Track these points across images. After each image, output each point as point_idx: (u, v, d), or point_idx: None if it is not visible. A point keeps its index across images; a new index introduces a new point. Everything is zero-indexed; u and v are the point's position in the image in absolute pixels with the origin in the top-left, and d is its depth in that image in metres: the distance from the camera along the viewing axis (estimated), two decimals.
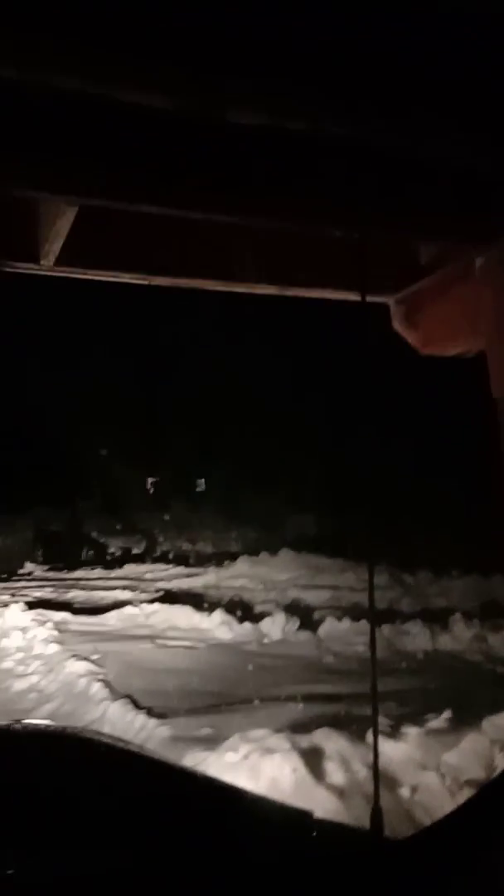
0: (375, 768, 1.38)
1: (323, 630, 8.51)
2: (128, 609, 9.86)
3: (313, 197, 1.82)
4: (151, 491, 29.85)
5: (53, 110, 1.52)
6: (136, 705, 5.31)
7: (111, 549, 19.25)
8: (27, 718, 4.71)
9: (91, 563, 18.13)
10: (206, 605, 10.09)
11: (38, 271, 2.16)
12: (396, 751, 3.81)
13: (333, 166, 1.74)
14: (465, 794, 3.45)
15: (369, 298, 2.37)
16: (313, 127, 1.55)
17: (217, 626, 8.61)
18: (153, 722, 4.87)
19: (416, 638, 8.15)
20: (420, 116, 1.57)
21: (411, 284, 2.48)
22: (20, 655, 7.56)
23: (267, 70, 1.46)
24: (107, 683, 5.91)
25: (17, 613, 9.49)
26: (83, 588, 13.41)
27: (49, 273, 2.18)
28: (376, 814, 1.06)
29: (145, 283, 2.25)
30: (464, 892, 0.77)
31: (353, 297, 2.35)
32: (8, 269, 2.17)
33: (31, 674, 6.80)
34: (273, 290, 2.42)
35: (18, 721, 1.54)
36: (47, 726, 1.68)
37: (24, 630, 8.50)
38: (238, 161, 1.71)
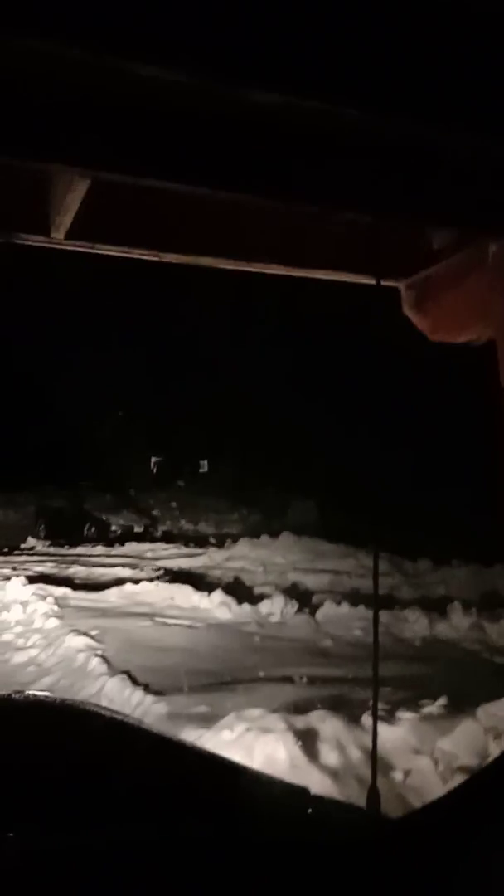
0: (374, 749, 1.39)
1: (321, 614, 8.55)
2: (128, 586, 9.92)
3: (326, 179, 1.80)
4: (155, 471, 29.93)
5: (68, 82, 1.51)
6: (134, 681, 5.36)
7: (113, 527, 19.33)
8: (26, 690, 4.75)
9: (93, 540, 18.22)
10: (205, 586, 10.14)
11: (49, 244, 2.15)
12: (391, 735, 3.84)
13: (347, 149, 1.72)
14: (458, 779, 3.48)
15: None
16: (328, 108, 1.54)
17: (216, 606, 8.66)
18: (150, 698, 4.91)
19: (415, 625, 8.19)
20: (436, 104, 1.55)
21: (423, 269, 2.46)
22: (20, 629, 7.63)
23: (284, 47, 1.45)
24: (105, 659, 5.96)
25: (18, 587, 9.55)
26: (84, 564, 13.48)
27: (59, 246, 2.16)
28: (373, 793, 1.07)
29: (156, 259, 2.23)
30: (462, 871, 0.77)
31: (364, 280, 2.34)
32: (18, 242, 2.16)
33: (31, 647, 6.86)
34: (283, 270, 2.40)
35: (19, 692, 1.56)
36: (47, 697, 1.70)
37: (24, 604, 8.56)
38: (252, 139, 1.70)
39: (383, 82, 1.48)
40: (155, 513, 22.67)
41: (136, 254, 2.23)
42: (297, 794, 1.17)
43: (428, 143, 1.68)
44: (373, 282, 2.09)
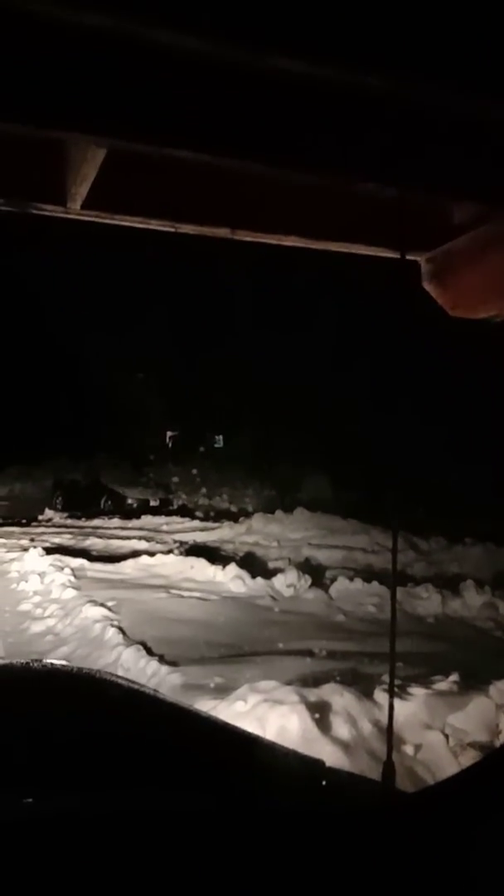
0: (390, 723, 1.39)
1: (334, 589, 8.60)
2: (144, 559, 10.01)
3: (350, 150, 1.76)
4: (170, 445, 30.02)
5: (84, 48, 1.48)
6: (149, 652, 5.43)
7: (129, 500, 19.47)
8: (45, 659, 4.83)
9: (109, 513, 18.38)
10: (220, 559, 10.21)
11: (65, 215, 2.13)
12: (403, 710, 3.86)
13: (372, 119, 1.68)
14: (469, 755, 3.51)
15: (397, 255, 2.31)
16: (352, 75, 1.50)
17: (231, 579, 8.72)
18: (165, 669, 4.98)
19: (428, 602, 8.21)
20: (463, 72, 1.51)
21: (444, 243, 2.41)
22: (38, 599, 7.74)
23: (307, 12, 1.41)
24: (121, 630, 6.04)
25: (35, 558, 9.68)
26: (100, 536, 13.63)
27: (76, 217, 2.14)
28: (388, 766, 1.08)
29: (172, 230, 2.20)
30: (478, 847, 0.78)
31: (385, 253, 2.30)
32: (34, 212, 2.14)
33: (48, 617, 6.97)
34: (301, 242, 2.36)
35: (37, 660, 1.58)
36: (64, 666, 1.73)
37: (42, 575, 8.68)
38: (273, 107, 1.66)
39: (410, 49, 1.44)
40: (171, 487, 22.79)
41: (153, 224, 2.20)
42: (312, 765, 1.18)
43: (454, 113, 1.63)
44: (393, 255, 2.06)
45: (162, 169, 2.01)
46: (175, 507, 20.42)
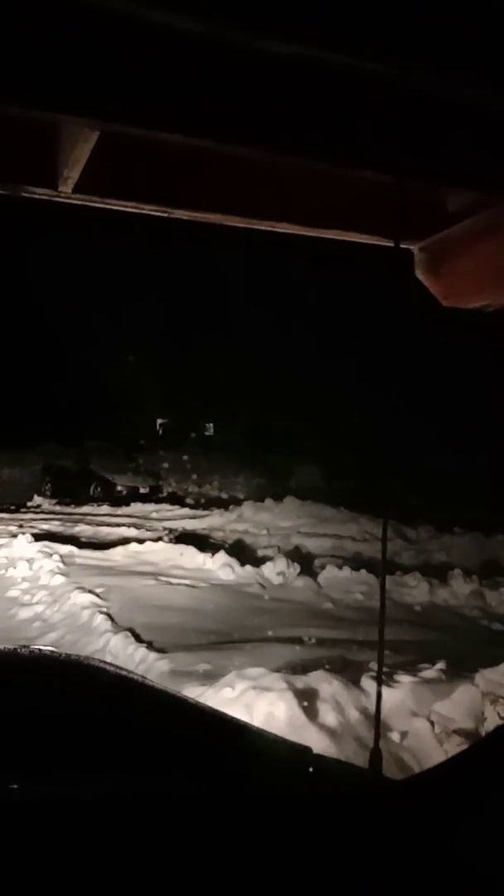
0: (378, 710, 1.40)
1: (323, 577, 8.63)
2: (133, 546, 10.01)
3: (346, 136, 1.75)
4: (161, 432, 29.96)
5: (76, 28, 1.46)
6: (138, 639, 5.44)
7: (118, 487, 19.44)
8: (32, 645, 4.82)
9: (98, 500, 18.35)
10: (209, 547, 10.23)
11: (57, 198, 2.10)
12: (389, 697, 3.89)
13: (369, 104, 1.67)
14: (454, 742, 3.55)
15: (391, 243, 2.30)
16: (350, 60, 1.48)
17: (219, 567, 8.74)
18: (153, 655, 4.99)
19: (415, 590, 8.26)
20: (460, 58, 1.49)
21: (438, 232, 2.40)
22: (26, 585, 7.73)
23: None
24: (109, 616, 6.05)
25: (24, 545, 9.65)
26: (90, 523, 13.60)
27: (67, 201, 2.12)
28: (376, 754, 1.09)
29: (164, 215, 2.19)
30: (466, 834, 0.79)
31: (379, 241, 2.29)
32: (25, 195, 2.11)
33: (36, 603, 6.96)
34: (294, 229, 2.35)
35: (25, 646, 1.58)
36: (52, 652, 1.72)
37: (30, 561, 8.66)
38: (269, 93, 1.65)
39: (409, 34, 1.43)
40: (161, 474, 22.76)
41: (145, 209, 2.18)
42: (300, 752, 1.19)
43: (452, 101, 1.62)
44: (387, 243, 2.05)
45: (155, 153, 1.99)
46: (165, 494, 20.41)
